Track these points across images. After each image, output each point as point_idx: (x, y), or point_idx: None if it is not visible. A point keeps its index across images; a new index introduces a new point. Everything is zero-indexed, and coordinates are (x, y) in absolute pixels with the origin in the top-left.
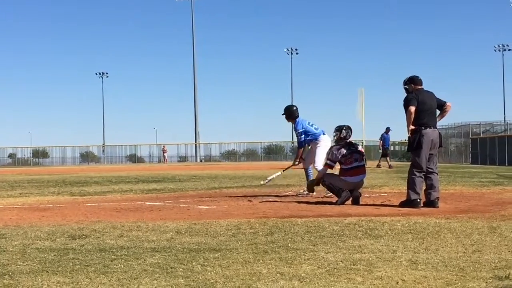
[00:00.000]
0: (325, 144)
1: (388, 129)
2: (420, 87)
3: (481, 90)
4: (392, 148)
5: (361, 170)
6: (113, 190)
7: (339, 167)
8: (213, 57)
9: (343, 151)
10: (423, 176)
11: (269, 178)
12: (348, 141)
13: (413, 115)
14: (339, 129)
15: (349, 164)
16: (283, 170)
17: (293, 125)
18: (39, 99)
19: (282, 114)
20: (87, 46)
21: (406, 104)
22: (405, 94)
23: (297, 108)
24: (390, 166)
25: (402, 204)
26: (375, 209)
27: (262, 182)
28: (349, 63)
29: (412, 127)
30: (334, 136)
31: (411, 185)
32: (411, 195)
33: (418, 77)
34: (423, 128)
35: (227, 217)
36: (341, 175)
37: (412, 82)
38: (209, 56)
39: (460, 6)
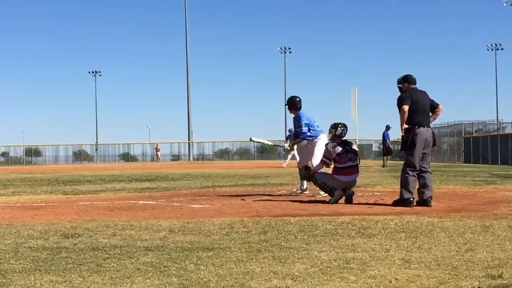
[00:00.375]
0: (323, 142)
1: (387, 127)
2: (414, 86)
3: (474, 89)
4: None
5: (355, 169)
6: (106, 188)
7: (332, 165)
8: (207, 56)
9: (338, 149)
10: (416, 175)
11: (259, 140)
12: (343, 139)
13: (406, 114)
14: (334, 126)
15: (343, 163)
16: (273, 143)
17: (295, 116)
18: (32, 98)
19: (285, 105)
20: (80, 45)
21: (400, 103)
22: (399, 93)
23: (300, 100)
24: (384, 165)
25: (395, 203)
26: (368, 208)
27: (252, 138)
28: (343, 62)
29: (405, 126)
30: (330, 133)
31: (404, 184)
32: (404, 194)
33: (412, 76)
34: (416, 127)
35: (220, 216)
36: (334, 174)
37: (406, 81)
38: (202, 55)
39: (452, 6)
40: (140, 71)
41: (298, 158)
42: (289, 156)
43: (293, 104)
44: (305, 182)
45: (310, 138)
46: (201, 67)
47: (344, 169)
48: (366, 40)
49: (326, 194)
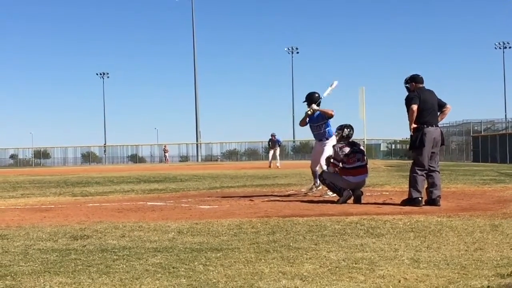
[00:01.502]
0: (333, 143)
1: None
2: (421, 85)
3: (482, 88)
4: (393, 146)
5: (363, 170)
6: (115, 190)
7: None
8: (214, 57)
9: (346, 149)
10: (425, 175)
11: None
12: (350, 140)
13: (415, 114)
14: (341, 128)
15: (351, 164)
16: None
17: (313, 113)
18: (40, 100)
19: (304, 101)
20: (87, 47)
21: (408, 102)
22: (406, 93)
23: (319, 95)
24: None
25: (404, 203)
26: (376, 208)
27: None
28: (350, 62)
29: (414, 125)
30: (336, 135)
31: (413, 184)
32: (412, 193)
33: (419, 75)
34: (425, 126)
35: (228, 217)
36: (343, 174)
37: (413, 81)
38: (210, 55)
39: (460, 4)
40: (147, 73)
41: (270, 158)
42: (277, 156)
43: (313, 100)
44: (318, 180)
45: (322, 137)
46: (208, 68)
47: (353, 169)
48: (373, 39)
49: (335, 194)
